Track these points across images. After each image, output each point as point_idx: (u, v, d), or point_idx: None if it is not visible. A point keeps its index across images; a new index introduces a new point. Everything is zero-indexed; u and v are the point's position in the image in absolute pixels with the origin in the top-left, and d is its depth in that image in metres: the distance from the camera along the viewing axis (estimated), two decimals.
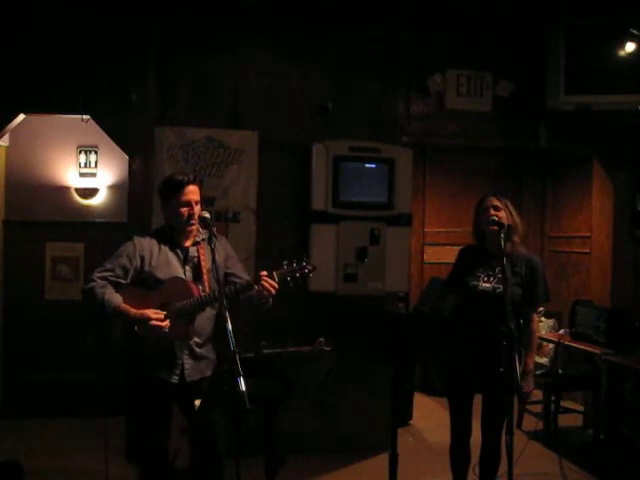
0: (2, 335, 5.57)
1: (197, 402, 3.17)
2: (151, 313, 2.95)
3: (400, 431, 3.17)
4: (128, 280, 3.06)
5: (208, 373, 3.18)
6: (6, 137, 5.41)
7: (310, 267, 3.07)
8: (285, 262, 3.08)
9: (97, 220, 5.76)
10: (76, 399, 5.41)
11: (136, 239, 3.13)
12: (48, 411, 5.39)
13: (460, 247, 3.79)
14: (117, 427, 4.64)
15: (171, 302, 3.00)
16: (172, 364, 3.08)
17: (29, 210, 5.63)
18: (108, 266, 3.05)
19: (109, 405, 4.93)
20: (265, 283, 2.96)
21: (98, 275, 3.03)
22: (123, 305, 2.97)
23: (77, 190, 5.77)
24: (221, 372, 3.02)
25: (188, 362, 3.11)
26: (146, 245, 3.10)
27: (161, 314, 2.97)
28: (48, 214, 5.66)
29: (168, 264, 3.09)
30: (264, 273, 3.00)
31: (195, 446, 3.15)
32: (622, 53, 4.92)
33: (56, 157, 5.74)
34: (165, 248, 3.12)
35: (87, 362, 5.33)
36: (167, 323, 2.97)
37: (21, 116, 4.58)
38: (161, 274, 3.06)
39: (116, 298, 2.98)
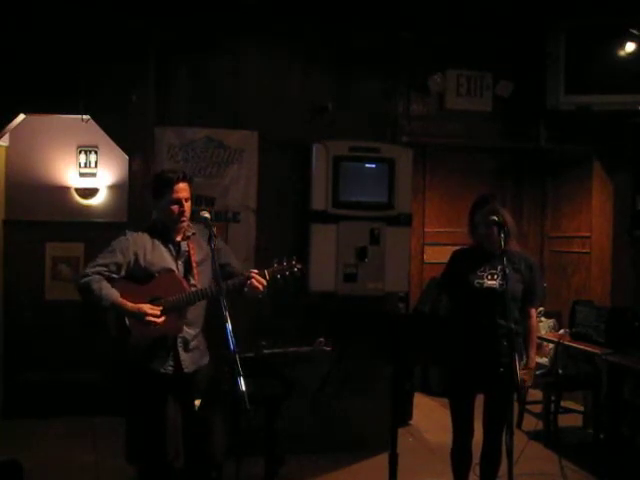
0: (2, 335, 5.57)
1: (197, 402, 3.18)
2: (147, 308, 3.01)
3: (400, 431, 3.17)
4: (121, 274, 3.09)
5: (203, 362, 3.23)
6: (6, 137, 5.40)
7: (299, 266, 3.17)
8: (276, 260, 3.17)
9: (97, 220, 5.75)
10: (76, 399, 5.41)
11: (129, 234, 3.15)
12: (48, 411, 5.38)
13: (455, 248, 3.78)
14: (117, 427, 4.64)
15: (162, 296, 3.04)
16: (165, 355, 3.11)
17: (29, 210, 5.62)
18: (101, 261, 3.08)
19: (109, 405, 4.94)
20: (254, 280, 3.08)
21: (92, 270, 3.05)
22: (120, 299, 3.02)
23: (77, 190, 5.76)
24: (221, 372, 3.03)
25: (183, 354, 3.14)
26: (139, 240, 3.13)
27: (157, 310, 3.01)
28: (48, 214, 5.65)
29: (162, 259, 3.13)
30: (255, 271, 3.12)
31: (188, 443, 3.14)
32: (622, 53, 4.93)
33: (56, 157, 5.73)
34: (158, 243, 3.15)
35: (87, 362, 5.33)
36: (162, 319, 3.01)
37: (21, 116, 4.58)
38: (155, 269, 3.11)
39: (113, 293, 3.02)
